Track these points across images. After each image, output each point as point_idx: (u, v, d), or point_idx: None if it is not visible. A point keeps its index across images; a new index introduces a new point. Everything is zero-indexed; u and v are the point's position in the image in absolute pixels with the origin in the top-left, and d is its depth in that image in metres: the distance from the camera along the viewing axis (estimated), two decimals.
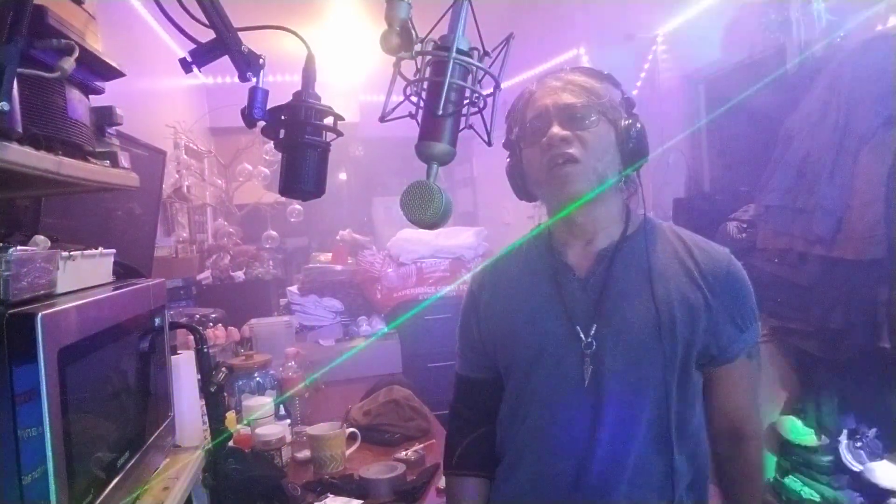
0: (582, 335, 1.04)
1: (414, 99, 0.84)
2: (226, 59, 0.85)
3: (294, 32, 0.86)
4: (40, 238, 0.96)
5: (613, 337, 1.02)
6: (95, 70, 1.06)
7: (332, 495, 1.59)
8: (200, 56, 0.85)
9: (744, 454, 1.11)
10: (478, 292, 1.20)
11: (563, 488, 1.04)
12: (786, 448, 2.26)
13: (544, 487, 1.06)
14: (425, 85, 0.82)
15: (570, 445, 1.03)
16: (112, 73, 1.11)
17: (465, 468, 1.20)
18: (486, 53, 0.85)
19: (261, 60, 0.87)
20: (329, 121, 0.88)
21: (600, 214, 1.08)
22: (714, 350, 1.04)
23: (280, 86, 0.90)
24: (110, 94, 1.15)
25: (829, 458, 2.09)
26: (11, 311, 0.74)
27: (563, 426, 1.04)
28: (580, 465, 1.02)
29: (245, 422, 1.95)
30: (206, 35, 0.83)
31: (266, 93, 0.85)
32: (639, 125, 1.06)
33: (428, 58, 0.82)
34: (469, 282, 1.25)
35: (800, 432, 2.19)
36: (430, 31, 0.83)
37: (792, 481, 2.20)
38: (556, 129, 1.02)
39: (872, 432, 2.01)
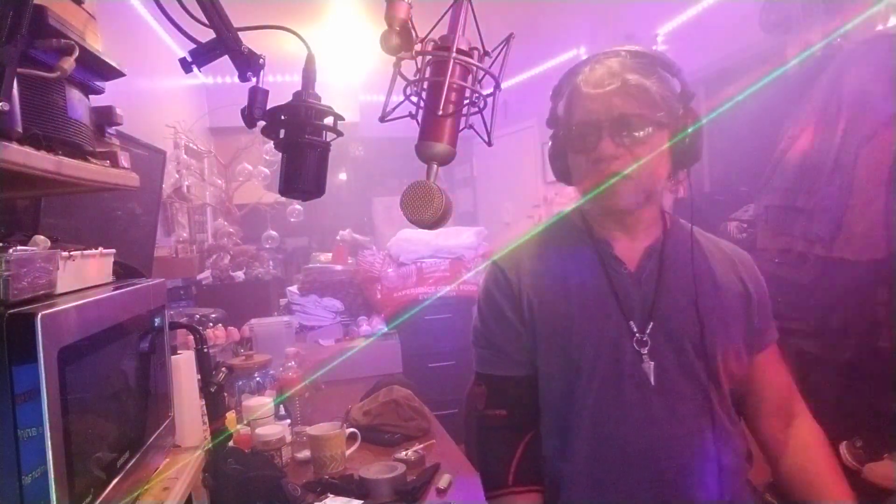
0: (637, 332, 1.01)
1: (414, 99, 0.84)
2: (226, 58, 0.85)
3: (294, 32, 0.86)
4: (40, 238, 0.96)
5: (670, 333, 1.01)
6: (95, 70, 1.06)
7: (332, 495, 1.59)
8: (200, 56, 0.85)
9: (802, 432, 1.12)
10: (514, 279, 1.07)
11: (650, 488, 0.98)
12: None
13: (625, 493, 0.99)
14: (425, 85, 0.82)
15: (652, 447, 0.98)
16: (112, 73, 1.11)
17: (525, 483, 1.05)
18: (486, 53, 0.85)
19: (261, 60, 0.87)
20: (329, 121, 0.88)
21: (646, 215, 1.07)
22: (755, 337, 1.08)
23: (280, 86, 0.90)
24: (110, 94, 1.15)
25: None
26: (11, 311, 0.74)
27: (636, 427, 0.98)
28: (667, 465, 0.98)
29: (245, 422, 1.95)
30: (206, 35, 0.83)
31: (266, 93, 0.85)
32: (695, 124, 1.01)
33: (428, 58, 0.81)
34: (494, 269, 1.11)
35: None
36: (431, 31, 0.83)
37: None
38: (606, 145, 0.97)
39: (872, 433, 2.01)
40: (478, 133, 0.87)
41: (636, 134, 0.97)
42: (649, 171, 0.99)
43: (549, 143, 1.13)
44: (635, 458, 0.99)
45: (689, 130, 1.01)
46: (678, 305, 1.02)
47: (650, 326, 1.01)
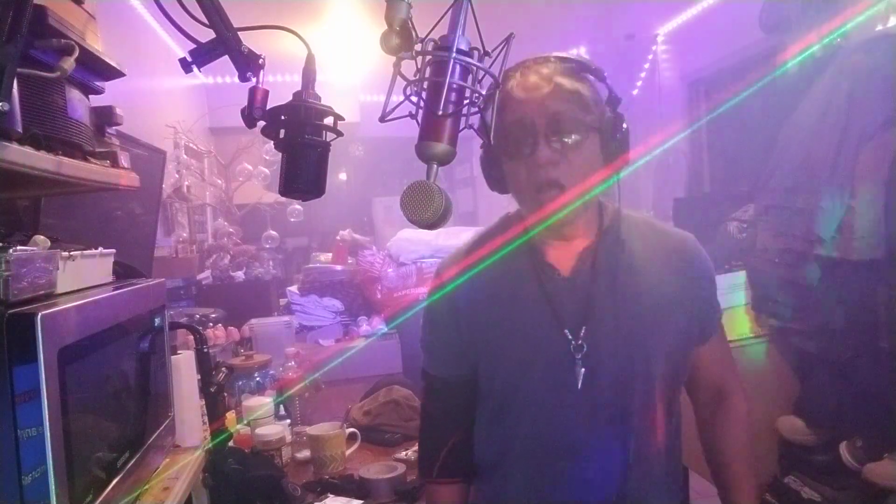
0: (571, 338, 1.01)
1: (414, 99, 0.84)
2: (226, 58, 0.85)
3: (294, 32, 0.86)
4: (40, 238, 0.96)
5: (605, 336, 1.01)
6: (95, 70, 1.07)
7: (332, 495, 1.58)
8: (200, 56, 0.85)
9: (726, 407, 1.13)
10: (453, 289, 1.12)
11: (568, 493, 1.02)
12: (785, 448, 2.25)
13: (546, 493, 1.04)
14: (425, 85, 0.82)
15: (570, 449, 1.02)
16: (112, 73, 1.11)
17: (449, 475, 1.15)
18: (486, 53, 0.85)
19: (261, 60, 0.87)
20: (329, 121, 0.88)
21: (581, 220, 1.06)
22: (697, 331, 1.07)
23: (280, 86, 0.90)
24: (110, 93, 1.15)
25: (830, 458, 2.09)
26: (11, 310, 0.74)
27: (559, 430, 1.02)
28: (584, 469, 1.01)
29: (245, 422, 1.95)
30: (206, 35, 0.83)
31: (266, 93, 0.85)
32: (624, 127, 1.01)
33: (428, 58, 0.81)
34: (437, 275, 1.16)
35: (800, 432, 2.19)
36: (431, 31, 0.83)
37: (792, 481, 2.20)
38: (543, 152, 0.97)
39: (872, 432, 2.01)
40: (478, 133, 0.87)
41: (571, 137, 0.97)
42: (585, 176, 0.99)
43: (482, 152, 1.09)
44: (561, 459, 1.02)
45: (618, 127, 1.01)
46: (612, 308, 1.02)
47: (583, 331, 1.01)
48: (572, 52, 1.05)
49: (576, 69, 1.01)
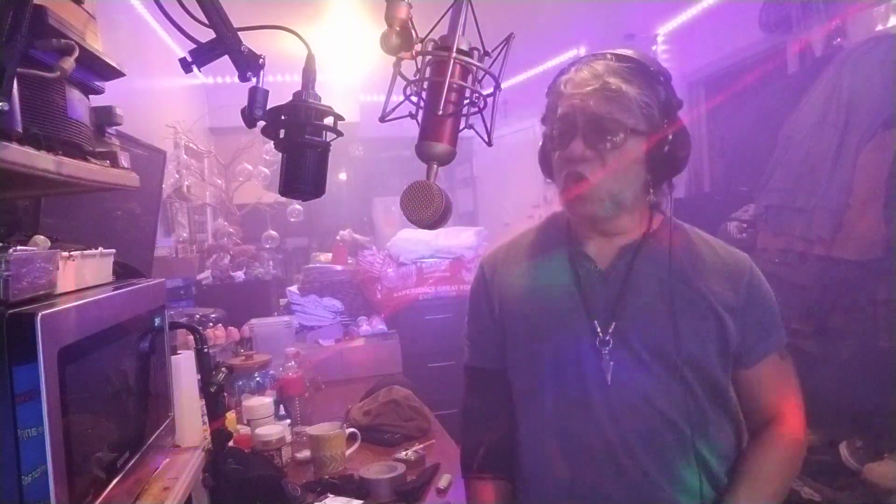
0: (599, 331, 1.00)
1: (414, 99, 0.84)
2: (226, 58, 0.85)
3: (294, 32, 0.86)
4: (40, 238, 0.96)
5: (633, 334, 1.00)
6: (95, 70, 1.06)
7: (332, 495, 1.59)
8: (200, 56, 0.85)
9: (765, 439, 1.05)
10: (490, 276, 1.14)
11: (602, 490, 1.00)
12: None
13: (581, 490, 1.01)
14: (425, 85, 0.82)
15: (608, 444, 0.99)
16: (112, 73, 1.11)
17: (490, 471, 1.12)
18: (486, 53, 0.85)
19: (261, 60, 0.87)
20: (329, 121, 0.88)
21: (621, 221, 1.05)
22: (739, 352, 1.02)
23: (280, 86, 0.90)
24: (110, 93, 1.15)
25: (829, 458, 2.08)
26: (11, 311, 0.74)
27: (592, 424, 1.00)
28: (617, 469, 0.99)
29: (245, 422, 1.95)
30: (206, 35, 0.83)
31: (266, 93, 0.85)
32: (677, 135, 0.98)
33: (428, 58, 0.81)
34: (479, 266, 1.18)
35: None
36: (431, 31, 0.83)
37: (792, 481, 2.20)
38: (576, 146, 0.97)
39: (872, 432, 2.01)
40: (478, 133, 0.87)
41: (608, 138, 0.96)
42: (616, 177, 0.98)
43: (543, 138, 1.12)
44: (598, 455, 1.00)
45: (670, 139, 0.98)
46: (645, 306, 1.01)
47: (612, 325, 1.00)
48: (633, 50, 1.02)
49: (631, 68, 0.98)
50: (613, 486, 0.99)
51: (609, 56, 1.00)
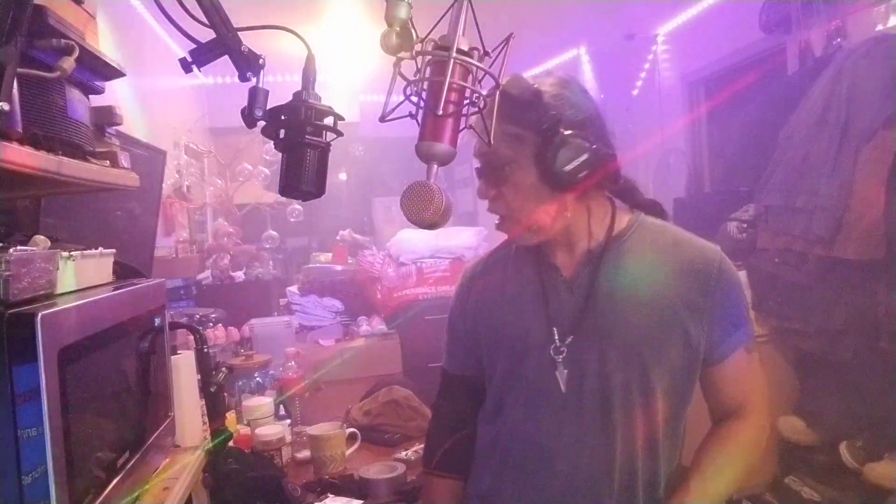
0: (557, 338, 1.02)
1: (414, 99, 0.84)
2: (226, 58, 0.85)
3: (294, 32, 0.86)
4: (40, 238, 0.96)
5: (597, 341, 1.00)
6: (95, 70, 1.07)
7: (332, 495, 1.58)
8: (200, 56, 0.85)
9: (722, 427, 1.06)
10: (467, 286, 1.19)
11: (552, 492, 1.02)
12: (786, 448, 2.25)
13: (534, 494, 1.04)
14: (425, 85, 0.82)
15: (557, 452, 1.01)
16: (112, 73, 1.11)
17: (445, 469, 1.18)
18: (486, 53, 0.85)
19: (261, 60, 0.87)
20: (329, 121, 0.88)
21: (572, 230, 1.05)
22: (706, 349, 1.02)
23: (280, 86, 0.90)
24: (110, 93, 1.15)
25: (830, 458, 2.09)
26: (11, 310, 0.74)
27: (546, 431, 1.02)
28: (571, 472, 1.00)
29: (245, 422, 1.95)
30: (206, 35, 0.83)
31: (266, 93, 0.85)
32: (561, 145, 0.95)
33: (428, 58, 0.81)
34: (461, 275, 1.23)
35: (800, 432, 2.19)
36: (431, 31, 0.83)
37: (792, 481, 2.20)
38: (480, 188, 1.04)
39: (872, 432, 2.01)
40: (478, 133, 0.87)
41: (497, 173, 1.01)
42: (521, 205, 1.01)
43: None
44: (545, 461, 1.02)
45: (553, 153, 0.95)
46: (610, 312, 1.01)
47: (574, 332, 1.01)
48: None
49: (509, 103, 0.95)
50: (556, 495, 1.01)
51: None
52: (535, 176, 0.99)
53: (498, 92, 0.86)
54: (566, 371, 1.01)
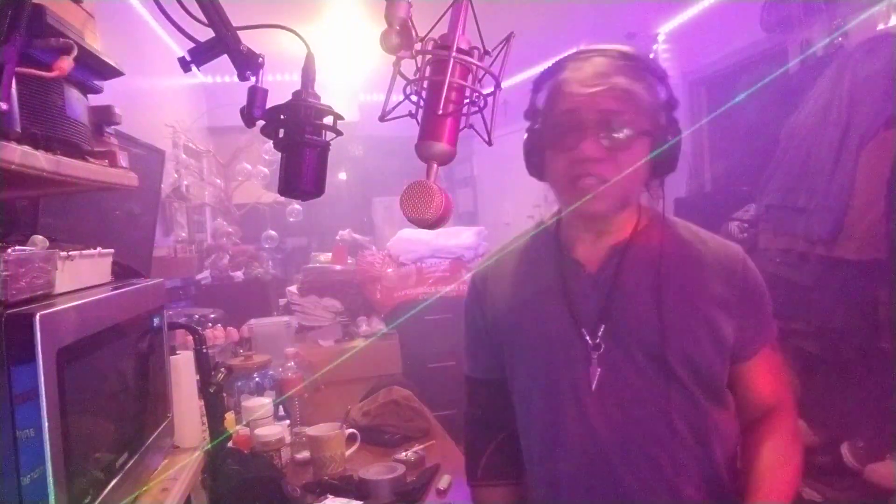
0: (588, 337, 0.99)
1: (414, 98, 0.83)
2: (225, 58, 0.85)
3: (293, 31, 0.85)
4: (38, 238, 0.95)
5: (625, 337, 0.99)
6: (94, 69, 1.06)
7: (331, 496, 1.58)
8: (199, 55, 0.84)
9: (767, 424, 1.04)
10: (481, 286, 1.15)
11: (586, 492, 1.00)
12: None
13: (576, 494, 1.01)
14: (425, 84, 0.82)
15: (586, 451, 0.99)
16: (111, 73, 1.10)
17: (492, 478, 1.14)
18: (486, 52, 0.84)
19: (260, 59, 0.87)
20: (329, 120, 0.87)
21: (617, 220, 1.04)
22: (736, 345, 1.01)
23: (279, 85, 0.89)
24: (109, 93, 1.14)
25: (831, 458, 2.08)
26: (10, 311, 0.73)
27: (575, 431, 1.00)
28: (606, 471, 0.98)
29: (244, 422, 1.95)
30: (205, 34, 0.83)
31: (265, 92, 0.85)
32: (677, 135, 0.98)
33: (428, 57, 0.81)
34: (471, 278, 1.19)
35: (801, 433, 2.18)
36: (431, 30, 0.83)
37: None
38: (588, 146, 0.94)
39: (874, 433, 2.01)
40: (478, 133, 0.87)
41: (619, 137, 0.94)
42: (629, 177, 0.96)
43: (526, 135, 1.07)
44: (583, 460, 1.00)
45: (671, 140, 0.98)
46: (635, 308, 0.99)
47: (602, 329, 0.99)
48: (631, 47, 1.01)
49: (636, 67, 0.97)
50: (600, 494, 0.99)
51: (612, 52, 0.98)
52: (647, 152, 0.97)
53: (635, 59, 0.94)
54: (599, 369, 0.98)
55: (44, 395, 0.74)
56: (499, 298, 1.12)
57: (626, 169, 0.95)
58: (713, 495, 1.00)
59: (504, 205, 5.05)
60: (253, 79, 0.86)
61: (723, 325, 0.99)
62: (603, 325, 0.99)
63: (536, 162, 1.06)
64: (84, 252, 1.03)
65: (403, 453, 1.85)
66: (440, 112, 0.77)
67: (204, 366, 1.49)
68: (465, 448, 1.21)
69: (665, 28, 3.77)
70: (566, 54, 1.02)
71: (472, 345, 1.17)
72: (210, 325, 2.59)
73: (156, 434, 1.19)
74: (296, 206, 4.16)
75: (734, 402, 1.07)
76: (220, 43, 0.83)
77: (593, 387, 0.98)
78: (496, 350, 1.12)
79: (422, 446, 1.93)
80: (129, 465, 1.03)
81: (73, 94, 0.99)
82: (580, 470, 1.00)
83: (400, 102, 0.84)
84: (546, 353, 1.03)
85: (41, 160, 0.85)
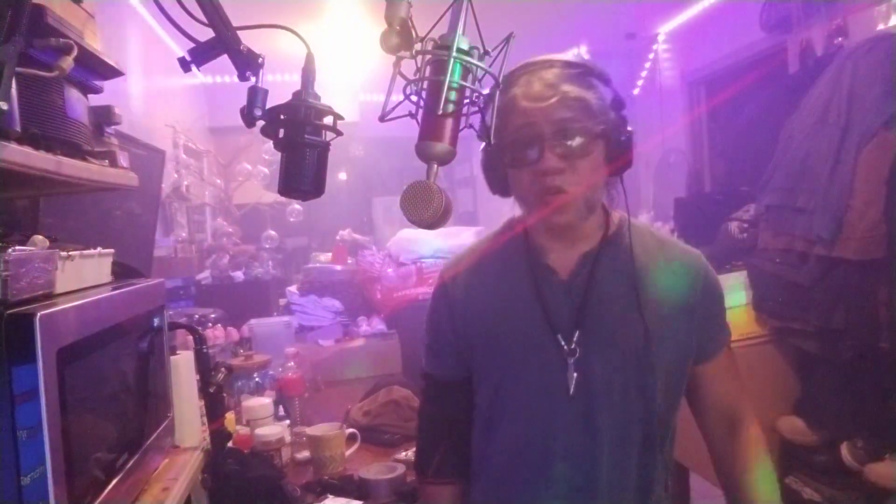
0: (563, 342, 1.00)
1: (414, 98, 0.83)
2: (225, 58, 0.85)
3: (294, 31, 0.85)
4: (39, 238, 0.95)
5: (599, 342, 1.00)
6: (94, 69, 1.06)
7: (331, 496, 1.58)
8: (199, 55, 0.84)
9: (743, 435, 1.09)
10: (451, 288, 1.13)
11: (554, 494, 1.01)
12: (786, 448, 2.25)
13: (538, 497, 1.02)
14: (425, 84, 0.82)
15: (561, 455, 1.00)
16: (111, 73, 1.10)
17: (444, 476, 1.15)
18: (486, 52, 0.84)
19: (260, 60, 0.87)
20: (329, 120, 0.88)
21: (586, 226, 1.05)
22: (697, 347, 1.05)
23: (279, 85, 0.89)
24: (109, 93, 1.15)
25: (830, 458, 2.08)
26: (10, 311, 0.74)
27: (551, 435, 1.01)
28: (575, 475, 1.00)
29: (244, 422, 1.95)
30: (206, 34, 0.83)
31: (265, 92, 0.85)
32: (628, 131, 1.00)
33: (428, 57, 0.81)
34: (440, 276, 1.17)
35: (800, 432, 2.18)
36: (430, 31, 0.83)
37: (792, 481, 2.19)
38: (549, 159, 0.95)
39: (873, 433, 2.01)
40: (478, 133, 0.87)
41: (575, 145, 0.95)
42: (589, 183, 0.98)
43: (482, 155, 1.08)
44: (548, 464, 1.01)
45: (622, 132, 1.00)
46: (609, 314, 1.01)
47: (577, 335, 1.00)
48: (572, 53, 1.03)
49: (581, 74, 0.98)
50: (580, 493, 1.01)
51: (557, 63, 0.99)
52: (603, 154, 0.99)
53: (579, 65, 0.95)
54: (576, 374, 0.99)
55: (44, 395, 0.74)
56: (470, 303, 1.10)
57: (587, 175, 0.97)
58: (673, 496, 1.05)
59: (503, 205, 5.03)
60: (253, 79, 0.86)
61: (686, 329, 1.03)
62: (578, 331, 1.00)
63: (497, 179, 1.08)
64: (84, 252, 1.04)
65: (403, 453, 1.85)
66: (440, 112, 0.77)
67: (204, 365, 1.49)
68: (418, 445, 1.21)
69: (665, 28, 3.78)
70: (507, 72, 1.00)
71: (436, 345, 1.16)
72: (210, 324, 2.60)
73: (156, 434, 1.19)
74: (296, 206, 4.17)
75: (696, 408, 1.12)
76: (221, 43, 0.83)
77: (571, 391, 0.99)
78: (461, 352, 1.12)
79: None
80: (129, 465, 1.03)
81: (74, 95, 0.99)
82: (549, 471, 1.01)
83: (400, 102, 0.84)
84: (521, 357, 1.03)
85: (41, 160, 0.85)
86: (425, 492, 1.19)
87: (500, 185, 1.08)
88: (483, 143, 1.04)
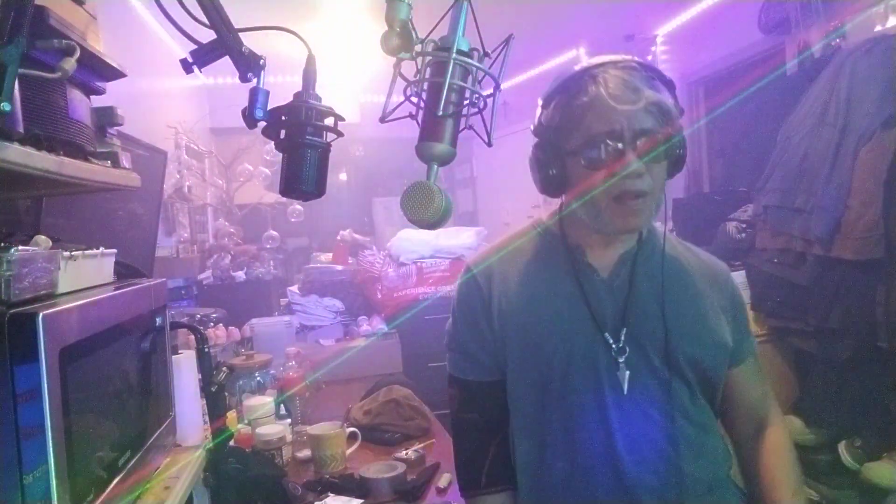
0: (611, 340, 1.00)
1: (414, 99, 0.84)
2: (227, 59, 0.85)
3: (295, 33, 0.86)
4: (42, 238, 0.96)
5: (645, 340, 1.01)
6: (96, 70, 1.07)
7: (332, 494, 1.59)
8: (201, 56, 0.85)
9: (771, 437, 1.11)
10: (486, 288, 1.08)
11: (619, 497, 0.99)
12: None
13: (596, 497, 1.00)
14: (425, 85, 0.82)
15: (620, 452, 0.99)
16: (113, 74, 1.11)
17: (498, 484, 1.08)
18: (486, 54, 0.85)
19: (261, 61, 0.87)
20: (329, 121, 0.88)
21: None
22: (731, 350, 1.06)
23: (281, 86, 0.90)
24: (111, 94, 1.15)
25: (829, 457, 2.09)
26: (13, 310, 0.74)
27: (606, 434, 0.99)
28: (637, 472, 0.98)
29: (246, 421, 1.95)
30: (207, 35, 0.84)
31: (267, 93, 0.86)
32: (683, 139, 1.01)
33: (428, 58, 0.82)
34: (468, 276, 1.11)
35: (799, 432, 2.19)
36: (431, 32, 0.83)
37: None
38: (634, 163, 0.94)
39: (871, 432, 2.01)
40: (478, 133, 0.88)
41: (659, 151, 0.96)
42: (661, 187, 1.00)
43: (538, 151, 1.05)
44: (611, 463, 0.99)
45: (684, 141, 1.02)
46: (648, 312, 1.02)
47: (623, 333, 1.01)
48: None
49: (655, 79, 0.99)
50: (623, 496, 0.99)
51: (634, 64, 0.98)
52: (667, 160, 1.00)
53: (653, 70, 0.98)
54: (627, 372, 0.99)
55: (46, 394, 0.75)
56: (508, 299, 1.06)
57: (661, 179, 0.99)
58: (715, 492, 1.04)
59: (503, 205, 5.05)
60: (254, 80, 0.87)
61: (724, 328, 1.06)
62: (625, 329, 1.01)
63: (551, 178, 1.04)
64: (87, 252, 1.04)
65: (404, 452, 1.85)
66: (440, 113, 0.78)
67: (206, 365, 1.49)
68: (461, 456, 1.13)
69: (663, 29, 3.78)
70: (579, 68, 1.01)
71: (471, 346, 1.09)
72: (212, 324, 2.60)
73: (158, 433, 1.19)
74: (297, 206, 4.17)
75: (724, 410, 1.12)
76: (222, 44, 0.84)
77: (625, 390, 0.99)
78: (498, 352, 1.07)
79: (422, 445, 1.94)
80: (131, 464, 1.03)
81: (76, 96, 1.00)
82: (595, 469, 1.00)
83: (400, 104, 0.85)
84: (565, 355, 1.01)
85: (44, 161, 0.86)
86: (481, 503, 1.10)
87: (552, 182, 1.05)
88: (536, 140, 1.05)
